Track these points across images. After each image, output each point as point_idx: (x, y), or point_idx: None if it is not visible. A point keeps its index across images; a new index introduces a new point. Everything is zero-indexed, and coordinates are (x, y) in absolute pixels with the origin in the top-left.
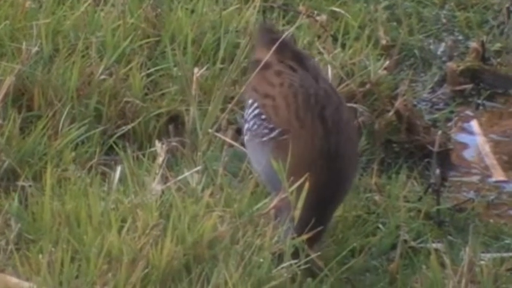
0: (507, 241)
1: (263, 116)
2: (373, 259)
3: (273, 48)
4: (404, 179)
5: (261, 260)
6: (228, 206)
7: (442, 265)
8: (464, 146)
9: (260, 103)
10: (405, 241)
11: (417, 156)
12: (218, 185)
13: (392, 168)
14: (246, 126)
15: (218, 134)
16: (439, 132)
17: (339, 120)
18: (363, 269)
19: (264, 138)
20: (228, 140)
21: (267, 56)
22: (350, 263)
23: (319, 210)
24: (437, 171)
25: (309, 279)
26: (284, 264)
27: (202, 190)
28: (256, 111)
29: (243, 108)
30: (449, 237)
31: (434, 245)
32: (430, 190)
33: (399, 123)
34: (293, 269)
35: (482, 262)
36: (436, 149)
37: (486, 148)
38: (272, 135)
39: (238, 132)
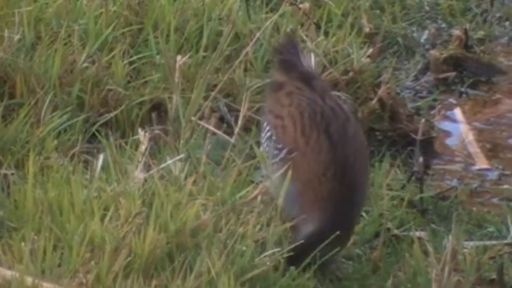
0: (490, 229)
1: (274, 138)
2: (356, 247)
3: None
4: (388, 167)
5: (244, 248)
6: (211, 194)
7: (425, 253)
8: (448, 134)
9: (272, 124)
10: (388, 229)
11: (400, 144)
12: (201, 173)
13: (376, 156)
14: (261, 149)
15: (201, 122)
16: (422, 120)
17: (344, 134)
18: (346, 257)
19: (275, 160)
20: (211, 128)
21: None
22: (333, 251)
23: (334, 223)
24: (421, 159)
25: (292, 268)
26: (267, 253)
27: (185, 178)
28: (268, 134)
29: (226, 97)
30: (433, 226)
31: (417, 233)
32: (413, 178)
33: (382, 111)
34: (276, 257)
35: (465, 250)
36: (419, 137)
37: (469, 136)
38: (281, 155)
39: (222, 120)
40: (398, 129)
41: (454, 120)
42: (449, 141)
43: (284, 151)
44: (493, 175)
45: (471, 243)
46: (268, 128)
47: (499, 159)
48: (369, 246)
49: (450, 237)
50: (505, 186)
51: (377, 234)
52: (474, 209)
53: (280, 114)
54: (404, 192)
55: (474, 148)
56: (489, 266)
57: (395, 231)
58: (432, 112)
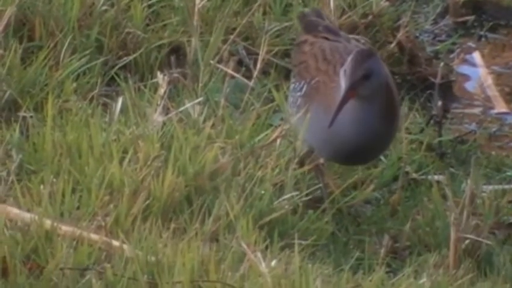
0: (509, 173)
1: (296, 84)
2: (374, 191)
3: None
4: (406, 111)
5: (263, 191)
6: (229, 137)
7: (444, 197)
8: (467, 77)
9: (296, 72)
10: (407, 173)
11: (419, 88)
12: (219, 116)
13: None
14: (288, 106)
15: (220, 65)
16: (441, 64)
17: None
18: (364, 201)
19: (298, 101)
20: (230, 71)
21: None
22: (352, 195)
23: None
24: (439, 103)
25: (310, 211)
26: (285, 196)
27: (204, 121)
28: (291, 86)
29: (245, 40)
30: (451, 169)
31: (436, 177)
32: (432, 122)
33: (401, 55)
34: (294, 200)
35: (483, 194)
36: (438, 80)
37: (488, 80)
38: (303, 91)
39: (240, 63)
40: (417, 73)
41: (473, 64)
42: (468, 85)
43: (306, 84)
44: None
45: (490, 187)
46: (293, 80)
47: None
48: (387, 189)
49: (469, 181)
50: None
51: (395, 178)
52: (493, 152)
53: (303, 59)
54: (423, 135)
55: (493, 92)
56: (507, 210)
57: (414, 175)
58: (451, 56)
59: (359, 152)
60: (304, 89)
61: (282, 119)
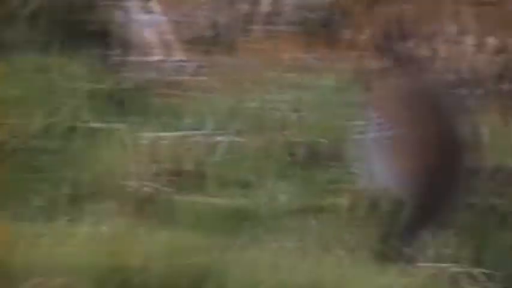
0: (187, 120)
1: (381, 120)
2: (53, 140)
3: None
4: (85, 59)
5: None
6: None
7: (124, 145)
8: (145, 25)
9: (379, 105)
10: (86, 121)
11: (99, 36)
12: None
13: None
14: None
15: None
16: (118, 11)
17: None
18: (44, 150)
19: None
20: None
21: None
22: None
23: None
24: (117, 51)
25: None
26: None
27: None
28: (376, 120)
29: None
30: (131, 118)
31: (115, 125)
32: (110, 70)
33: None
34: None
35: (163, 142)
36: (116, 28)
37: (167, 28)
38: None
39: None
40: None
41: (151, 12)
42: (146, 33)
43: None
44: (190, 66)
45: (169, 135)
46: (376, 114)
47: (196, 51)
48: (66, 139)
49: (148, 129)
50: (202, 78)
51: (74, 128)
52: (172, 100)
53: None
54: (102, 84)
55: (171, 40)
56: (187, 157)
57: (93, 124)
58: (128, 3)
59: None
60: (389, 132)
61: None
